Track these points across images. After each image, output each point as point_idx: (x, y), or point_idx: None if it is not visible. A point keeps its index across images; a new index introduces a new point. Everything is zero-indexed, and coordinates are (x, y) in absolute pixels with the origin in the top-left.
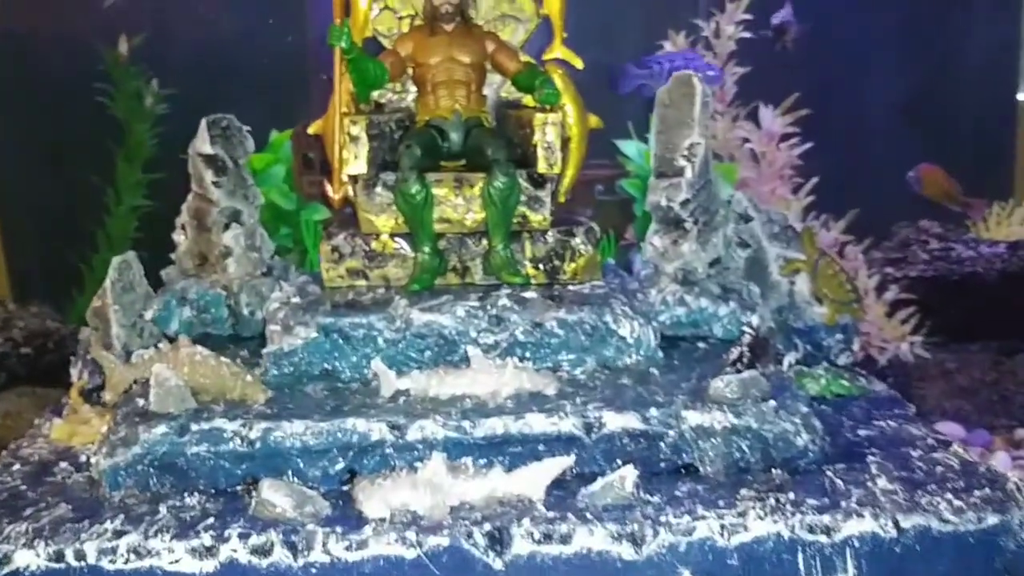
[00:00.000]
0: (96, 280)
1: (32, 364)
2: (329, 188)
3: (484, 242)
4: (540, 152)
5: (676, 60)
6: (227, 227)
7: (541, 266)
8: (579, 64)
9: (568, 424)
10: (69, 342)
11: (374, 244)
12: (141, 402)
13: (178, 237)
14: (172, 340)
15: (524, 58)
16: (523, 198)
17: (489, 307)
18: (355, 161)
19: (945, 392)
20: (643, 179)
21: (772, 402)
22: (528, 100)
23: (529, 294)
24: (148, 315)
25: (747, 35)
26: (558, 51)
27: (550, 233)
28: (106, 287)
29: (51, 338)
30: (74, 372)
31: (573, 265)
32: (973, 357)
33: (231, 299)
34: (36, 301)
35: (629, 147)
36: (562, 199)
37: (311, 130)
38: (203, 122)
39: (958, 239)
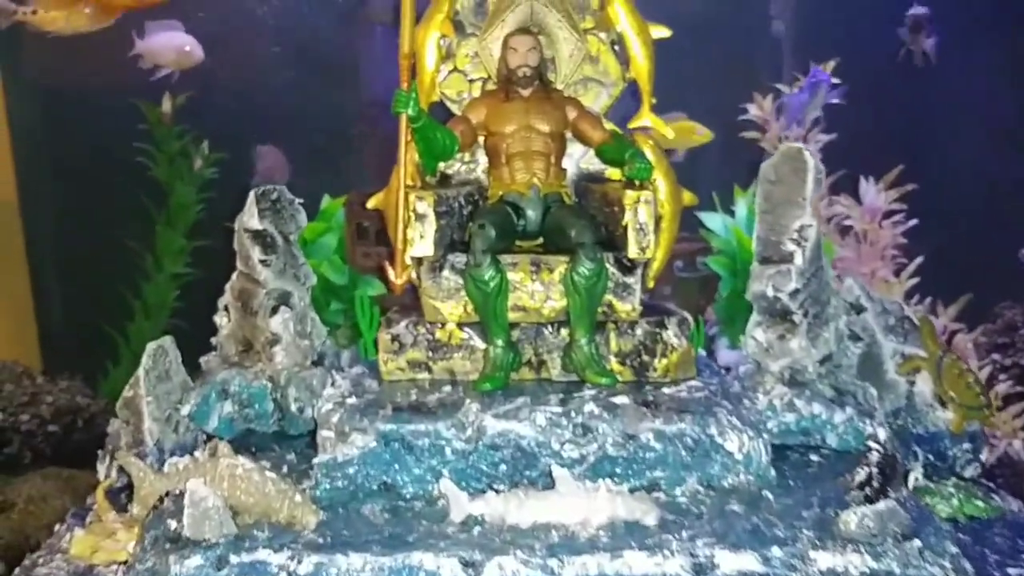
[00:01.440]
0: (131, 351)
1: (59, 443)
2: (390, 271)
3: (563, 333)
4: (631, 235)
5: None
6: (275, 311)
7: (628, 362)
8: (670, 134)
9: (675, 565)
10: (100, 420)
11: (439, 333)
12: (173, 524)
13: (220, 320)
14: (210, 438)
15: (609, 126)
16: (610, 285)
17: (573, 414)
18: (421, 242)
19: None
20: (729, 256)
21: (916, 541)
22: (613, 173)
23: (619, 399)
24: (185, 410)
25: (834, 100)
26: (646, 119)
27: (639, 324)
28: (139, 376)
29: (81, 415)
30: (101, 469)
31: (665, 361)
32: None
33: (277, 392)
34: (66, 372)
35: (713, 220)
36: (651, 284)
37: (371, 204)
38: (251, 195)
39: None
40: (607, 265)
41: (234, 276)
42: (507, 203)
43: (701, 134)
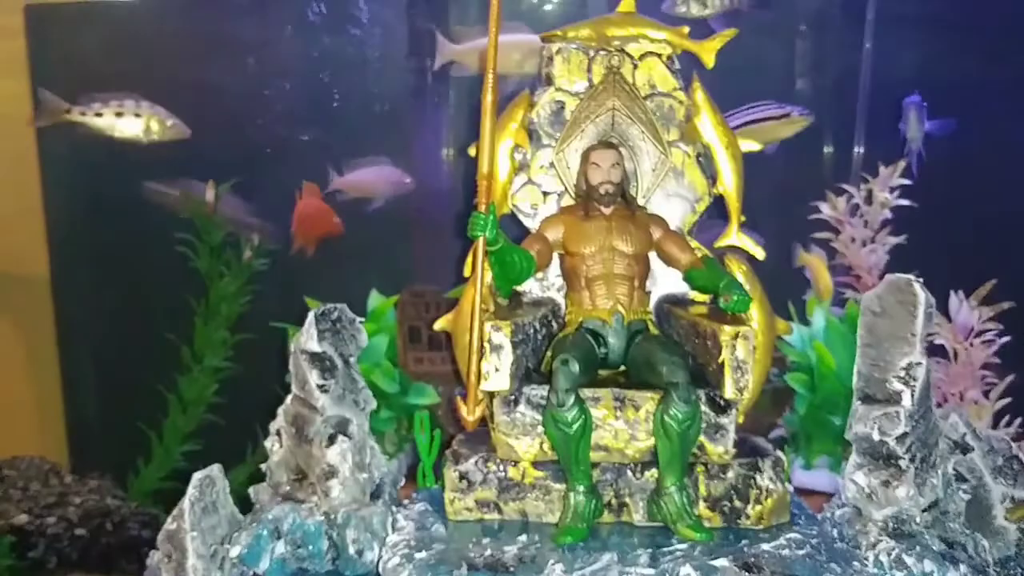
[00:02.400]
0: (164, 448)
1: (86, 548)
2: (462, 407)
3: (647, 474)
4: (728, 374)
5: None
6: (332, 440)
7: (718, 507)
8: (760, 255)
9: None
10: (130, 523)
11: (511, 472)
12: None
13: (272, 445)
14: None
15: (694, 245)
16: (702, 425)
17: None
18: (496, 375)
19: None
20: (806, 370)
21: None
22: (697, 296)
23: (717, 560)
24: (235, 552)
25: (904, 202)
26: (735, 237)
27: (731, 467)
28: (183, 508)
29: (110, 518)
30: None
31: (759, 508)
32: None
33: (334, 531)
34: (95, 471)
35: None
36: (741, 419)
37: (438, 326)
38: (311, 315)
39: None
40: (701, 406)
41: (288, 400)
42: (588, 331)
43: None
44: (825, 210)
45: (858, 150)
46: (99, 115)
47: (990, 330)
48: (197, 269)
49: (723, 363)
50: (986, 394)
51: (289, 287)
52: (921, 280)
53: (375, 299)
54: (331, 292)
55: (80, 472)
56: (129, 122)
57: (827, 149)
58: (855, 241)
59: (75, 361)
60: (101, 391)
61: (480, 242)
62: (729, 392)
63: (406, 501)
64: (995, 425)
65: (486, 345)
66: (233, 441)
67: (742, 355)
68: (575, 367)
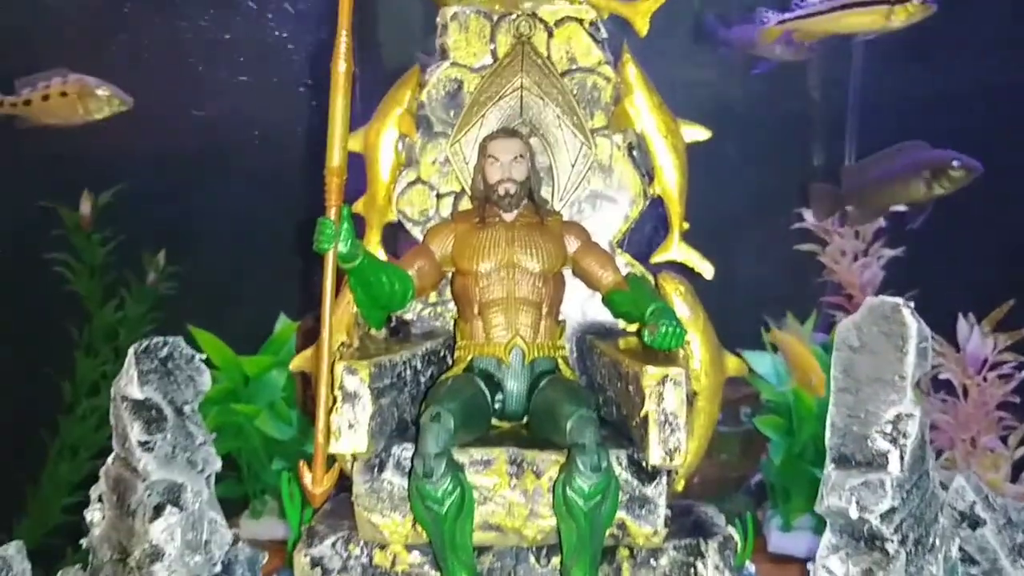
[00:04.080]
0: (43, 500)
1: None
2: (306, 474)
3: (554, 561)
4: (653, 432)
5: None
6: (158, 512)
7: None
8: (708, 272)
9: None
10: None
11: (378, 557)
12: None
13: (92, 515)
14: None
15: (626, 260)
16: (622, 498)
17: None
18: (349, 433)
19: None
20: (781, 411)
21: None
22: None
23: None
24: None
25: (900, 208)
26: (675, 251)
27: (663, 551)
28: None
29: None
30: None
31: None
32: None
33: None
34: None
35: (761, 361)
36: (679, 487)
37: (294, 366)
38: (130, 352)
39: None
40: (618, 473)
41: (110, 459)
42: (479, 372)
43: (816, 381)
44: (809, 218)
45: (848, 145)
46: (28, 102)
47: (1007, 362)
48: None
49: (646, 416)
50: (1004, 439)
51: (201, 313)
52: (912, 305)
53: (281, 322)
54: (243, 318)
55: None
56: (58, 104)
57: (811, 143)
58: (845, 254)
59: None
60: None
61: (329, 257)
62: (655, 455)
63: None
64: (1015, 478)
65: (337, 393)
66: None
67: (672, 405)
68: (449, 423)
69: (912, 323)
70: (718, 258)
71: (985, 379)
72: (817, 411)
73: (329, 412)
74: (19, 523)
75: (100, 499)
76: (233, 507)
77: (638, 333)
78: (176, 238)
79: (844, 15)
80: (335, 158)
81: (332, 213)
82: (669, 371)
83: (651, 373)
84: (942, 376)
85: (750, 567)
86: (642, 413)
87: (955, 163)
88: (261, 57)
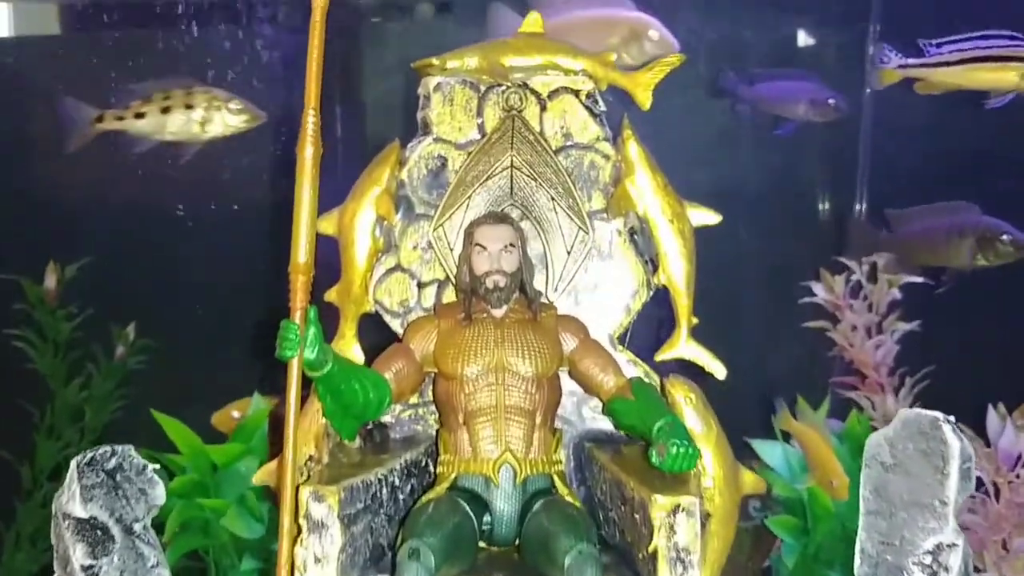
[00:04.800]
0: None
1: None
2: None
3: None
4: (663, 569)
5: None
6: None
7: None
8: (720, 372)
9: None
10: None
11: None
12: None
13: None
14: None
15: (627, 358)
16: None
17: None
18: (316, 568)
19: None
20: (794, 507)
21: None
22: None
23: None
24: None
25: (916, 279)
26: (683, 348)
27: None
28: None
29: None
30: None
31: None
32: None
33: None
34: None
35: (772, 451)
36: None
37: (256, 480)
38: (73, 465)
39: None
40: None
41: None
42: (464, 492)
43: (836, 485)
44: (819, 292)
45: (859, 207)
46: (140, 115)
47: None
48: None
49: (655, 552)
50: None
51: (173, 389)
52: (953, 420)
53: (257, 401)
54: (216, 393)
55: None
56: (179, 119)
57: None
58: (857, 329)
59: None
60: None
61: (294, 365)
62: None
63: None
64: None
65: (302, 522)
66: None
67: (684, 539)
68: (430, 560)
69: (954, 442)
70: (721, 330)
71: (1018, 476)
72: (835, 510)
73: (293, 543)
74: None
75: None
76: None
77: (645, 451)
78: (147, 310)
79: (976, 69)
80: (301, 255)
81: (297, 316)
82: (681, 500)
83: (660, 503)
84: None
85: None
86: (651, 548)
87: (1005, 236)
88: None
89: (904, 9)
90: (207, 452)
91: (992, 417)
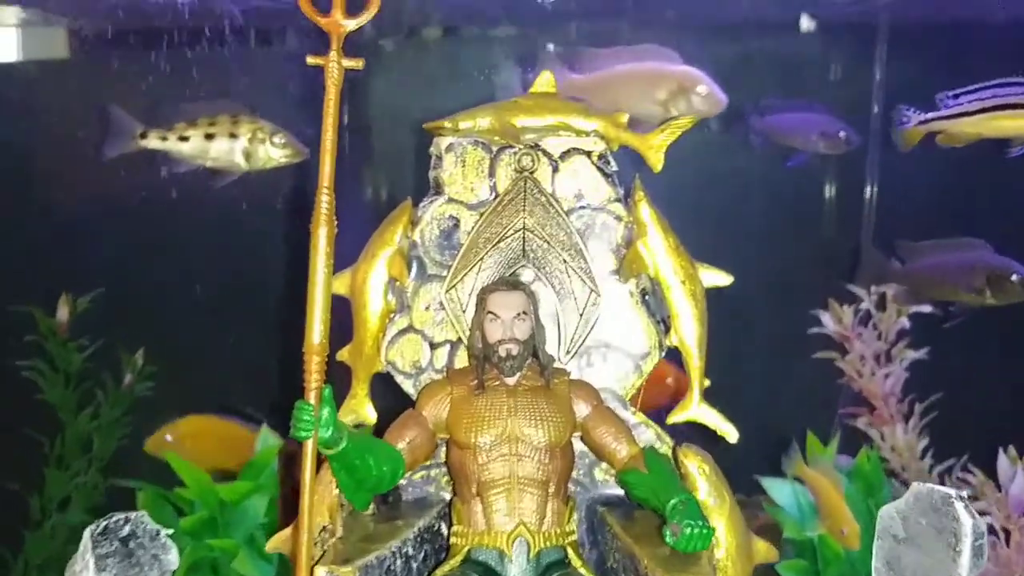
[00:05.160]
0: None
1: None
2: None
3: None
4: None
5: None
6: None
7: None
8: (732, 436)
9: None
10: None
11: None
12: None
13: None
14: None
15: (638, 419)
16: None
17: None
18: None
19: None
20: (804, 550)
21: None
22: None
23: None
24: None
25: (925, 309)
26: (695, 410)
27: None
28: None
29: None
30: None
31: None
32: None
33: None
34: None
35: (781, 490)
36: None
37: (269, 548)
38: (86, 535)
39: None
40: None
41: None
42: (477, 565)
43: (848, 532)
44: (827, 322)
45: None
46: (185, 138)
47: None
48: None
49: None
50: None
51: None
52: (965, 497)
53: (265, 438)
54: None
55: None
56: (222, 147)
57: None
58: (865, 360)
59: None
60: None
61: (309, 445)
62: None
63: None
64: None
65: None
66: None
67: None
68: None
69: (967, 520)
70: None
71: None
72: (846, 555)
73: None
74: None
75: None
76: None
77: (658, 525)
78: (157, 338)
79: (997, 117)
80: (315, 336)
81: (312, 396)
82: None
83: None
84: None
85: None
86: None
87: (1015, 276)
88: None
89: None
90: (216, 491)
91: (1003, 461)
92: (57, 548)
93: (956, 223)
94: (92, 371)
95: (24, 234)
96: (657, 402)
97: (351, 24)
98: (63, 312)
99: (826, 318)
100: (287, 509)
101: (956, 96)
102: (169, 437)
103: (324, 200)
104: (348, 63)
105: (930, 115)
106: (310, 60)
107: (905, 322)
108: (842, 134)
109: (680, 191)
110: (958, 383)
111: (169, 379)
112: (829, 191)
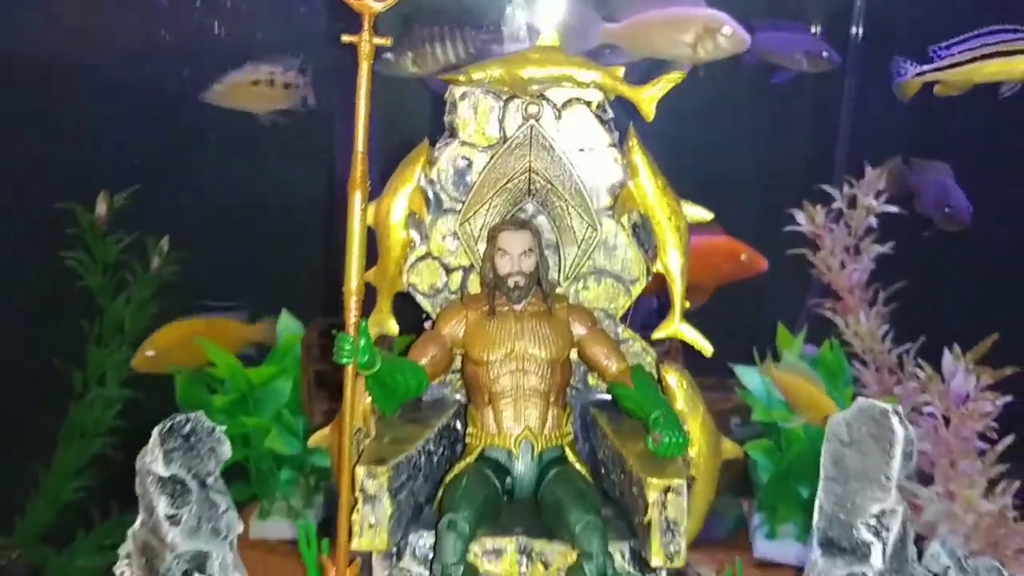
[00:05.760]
0: (54, 480)
1: None
2: (330, 569)
3: None
4: (655, 536)
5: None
6: None
7: None
8: (708, 351)
9: None
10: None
11: None
12: None
13: (121, 571)
14: None
15: (626, 335)
16: None
17: None
18: (370, 532)
19: None
20: (769, 429)
21: None
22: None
23: None
24: None
25: (891, 209)
26: (676, 328)
27: None
28: None
29: None
30: None
31: None
32: None
33: None
34: None
35: (750, 376)
36: (680, 563)
37: (312, 443)
38: (155, 433)
39: None
40: (622, 565)
41: (138, 522)
42: (489, 461)
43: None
44: (801, 220)
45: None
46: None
47: (987, 400)
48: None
49: (650, 523)
50: (982, 453)
51: (201, 295)
52: (900, 411)
53: (285, 323)
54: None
55: None
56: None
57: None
58: (835, 254)
59: None
60: None
61: (349, 369)
62: (656, 559)
63: None
64: (989, 493)
65: (358, 495)
66: (129, 472)
67: (673, 513)
68: (465, 529)
69: (900, 430)
70: None
71: (967, 410)
72: (805, 434)
73: (350, 512)
74: (32, 501)
75: (128, 557)
76: (242, 509)
77: (642, 429)
78: (185, 225)
79: (986, 65)
80: (353, 280)
81: (351, 329)
82: (672, 482)
83: (655, 484)
84: (926, 410)
85: None
86: (646, 520)
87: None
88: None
89: None
90: (246, 374)
91: (948, 358)
92: (96, 416)
93: (925, 140)
94: (126, 261)
95: (71, 134)
96: (735, 274)
97: (379, 6)
98: (101, 208)
99: (801, 217)
100: (309, 390)
101: (948, 47)
102: (150, 352)
103: (359, 165)
104: (378, 40)
105: (925, 67)
106: (344, 39)
107: (873, 221)
108: (825, 54)
109: (677, 103)
110: (920, 275)
111: (192, 268)
112: (809, 106)
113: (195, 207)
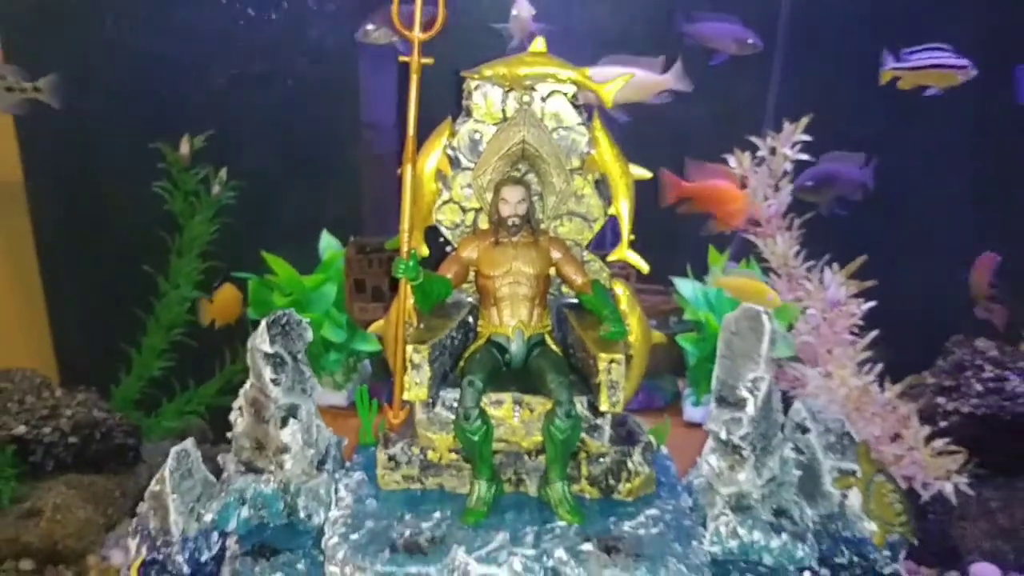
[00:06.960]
0: (142, 363)
1: (79, 453)
2: (389, 412)
3: (541, 459)
4: (603, 391)
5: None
6: (284, 423)
7: (596, 484)
8: (645, 269)
9: None
10: (115, 432)
11: (431, 455)
12: None
13: (235, 419)
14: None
15: (588, 257)
16: (583, 426)
17: (545, 559)
18: (416, 387)
19: (986, 532)
20: (698, 323)
21: None
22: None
23: (585, 545)
24: (208, 517)
25: (804, 157)
26: (624, 253)
27: (607, 453)
28: (164, 476)
29: (98, 428)
30: (132, 544)
31: (629, 485)
32: (1018, 495)
33: (288, 496)
34: (81, 384)
35: (685, 286)
36: (619, 409)
37: (371, 329)
38: (263, 322)
39: (1015, 366)
40: (581, 411)
41: (248, 385)
42: (494, 343)
43: (771, 299)
44: (732, 163)
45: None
46: None
47: (853, 304)
48: (170, 211)
49: (600, 383)
50: (853, 343)
51: (255, 215)
52: (770, 312)
53: (326, 241)
54: (290, 224)
55: (68, 385)
56: None
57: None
58: (757, 191)
59: (59, 291)
60: (85, 316)
61: (403, 283)
62: (604, 406)
63: (348, 464)
64: (857, 373)
65: (408, 363)
66: (201, 357)
67: (615, 377)
68: (480, 384)
69: (767, 325)
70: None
71: (840, 311)
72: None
73: (403, 373)
74: (125, 377)
75: (240, 410)
76: None
77: (597, 324)
78: (239, 154)
79: (931, 73)
80: (405, 221)
81: (405, 254)
82: (614, 356)
83: (603, 357)
84: (810, 311)
85: (664, 451)
86: (596, 381)
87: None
88: None
89: None
90: (301, 281)
91: (827, 274)
92: (175, 313)
93: (835, 113)
94: (201, 191)
95: (163, 85)
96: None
97: (424, 36)
98: (184, 147)
99: (732, 161)
100: (350, 293)
101: (912, 53)
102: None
103: (410, 145)
104: (424, 60)
105: (896, 65)
106: (401, 59)
107: (788, 166)
108: (750, 40)
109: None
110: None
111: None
112: (740, 81)
113: (255, 147)
